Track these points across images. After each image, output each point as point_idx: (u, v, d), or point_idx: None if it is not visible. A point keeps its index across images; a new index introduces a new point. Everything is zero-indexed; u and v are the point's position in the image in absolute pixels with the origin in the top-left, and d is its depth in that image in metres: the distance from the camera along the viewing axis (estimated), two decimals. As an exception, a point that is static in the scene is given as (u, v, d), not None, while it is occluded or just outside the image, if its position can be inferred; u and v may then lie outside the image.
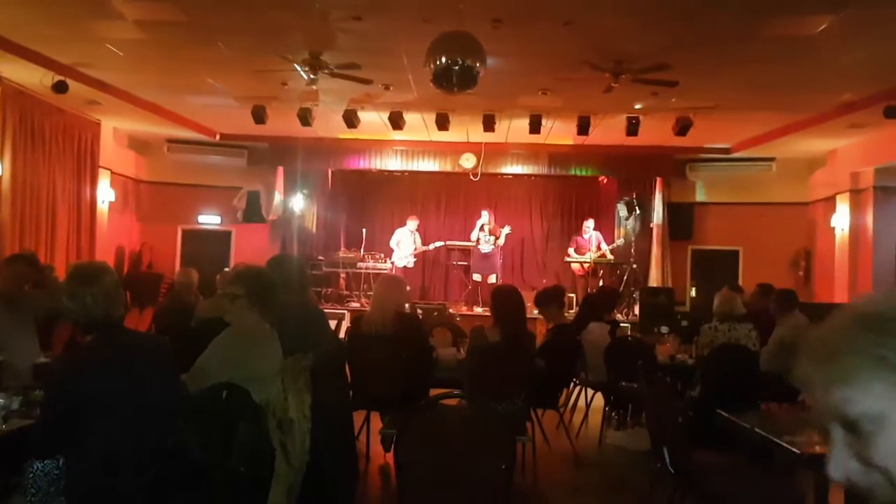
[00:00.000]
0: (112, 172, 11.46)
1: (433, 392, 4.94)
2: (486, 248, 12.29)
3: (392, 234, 12.76)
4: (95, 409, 2.51)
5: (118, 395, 2.53)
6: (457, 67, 6.12)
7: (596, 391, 7.13)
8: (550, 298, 6.59)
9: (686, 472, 3.63)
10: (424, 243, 12.64)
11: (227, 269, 9.00)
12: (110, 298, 2.75)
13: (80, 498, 2.49)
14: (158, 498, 2.37)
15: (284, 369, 3.04)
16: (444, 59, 6.11)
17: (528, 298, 9.17)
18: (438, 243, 12.76)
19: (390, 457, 5.31)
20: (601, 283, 11.61)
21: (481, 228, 12.32)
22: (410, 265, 12.64)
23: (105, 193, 11.28)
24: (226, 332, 3.33)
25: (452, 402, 3.06)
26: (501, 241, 12.34)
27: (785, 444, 3.57)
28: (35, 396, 3.34)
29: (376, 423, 5.38)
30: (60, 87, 8.27)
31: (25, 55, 7.71)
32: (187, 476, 2.41)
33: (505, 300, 5.35)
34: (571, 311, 9.93)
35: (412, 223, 12.63)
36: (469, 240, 12.52)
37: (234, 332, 3.36)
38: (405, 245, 12.58)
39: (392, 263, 12.32)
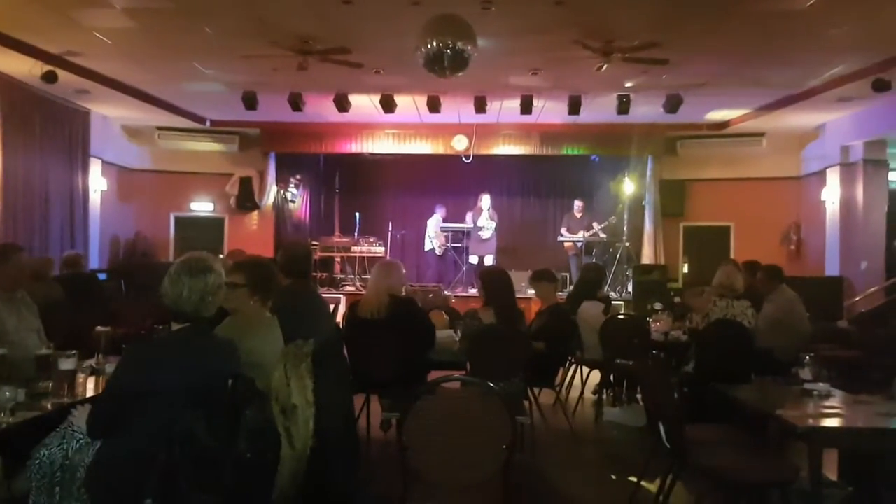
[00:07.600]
0: (103, 161, 11.43)
1: (431, 374, 5.02)
2: (486, 234, 12.35)
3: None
4: (150, 400, 2.55)
5: (175, 391, 2.57)
6: (448, 51, 6.12)
7: (592, 369, 7.22)
8: (541, 276, 6.64)
9: (682, 447, 3.71)
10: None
11: (221, 256, 9.00)
12: (205, 298, 2.79)
13: (104, 485, 2.53)
14: (169, 484, 2.42)
15: (286, 355, 3.08)
16: (435, 44, 6.11)
17: (524, 279, 9.28)
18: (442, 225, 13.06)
19: (389, 439, 5.39)
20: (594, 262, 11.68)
21: (481, 212, 12.39)
22: (439, 253, 12.95)
23: (97, 182, 11.25)
24: (227, 321, 3.38)
25: (453, 384, 3.11)
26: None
27: (781, 417, 3.65)
28: (40, 388, 3.37)
29: (375, 405, 5.44)
30: (50, 77, 8.23)
31: (14, 45, 7.66)
32: (196, 463, 2.46)
33: (494, 281, 5.44)
34: (564, 291, 10.01)
35: (440, 210, 13.02)
36: (463, 221, 12.58)
37: (234, 320, 3.41)
38: (434, 234, 12.91)
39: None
